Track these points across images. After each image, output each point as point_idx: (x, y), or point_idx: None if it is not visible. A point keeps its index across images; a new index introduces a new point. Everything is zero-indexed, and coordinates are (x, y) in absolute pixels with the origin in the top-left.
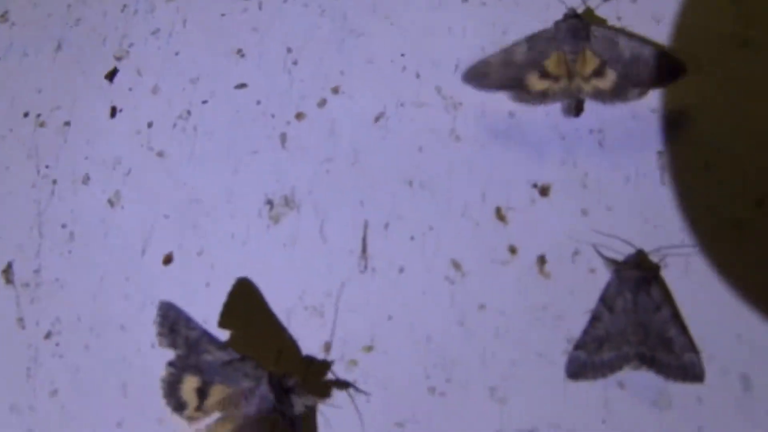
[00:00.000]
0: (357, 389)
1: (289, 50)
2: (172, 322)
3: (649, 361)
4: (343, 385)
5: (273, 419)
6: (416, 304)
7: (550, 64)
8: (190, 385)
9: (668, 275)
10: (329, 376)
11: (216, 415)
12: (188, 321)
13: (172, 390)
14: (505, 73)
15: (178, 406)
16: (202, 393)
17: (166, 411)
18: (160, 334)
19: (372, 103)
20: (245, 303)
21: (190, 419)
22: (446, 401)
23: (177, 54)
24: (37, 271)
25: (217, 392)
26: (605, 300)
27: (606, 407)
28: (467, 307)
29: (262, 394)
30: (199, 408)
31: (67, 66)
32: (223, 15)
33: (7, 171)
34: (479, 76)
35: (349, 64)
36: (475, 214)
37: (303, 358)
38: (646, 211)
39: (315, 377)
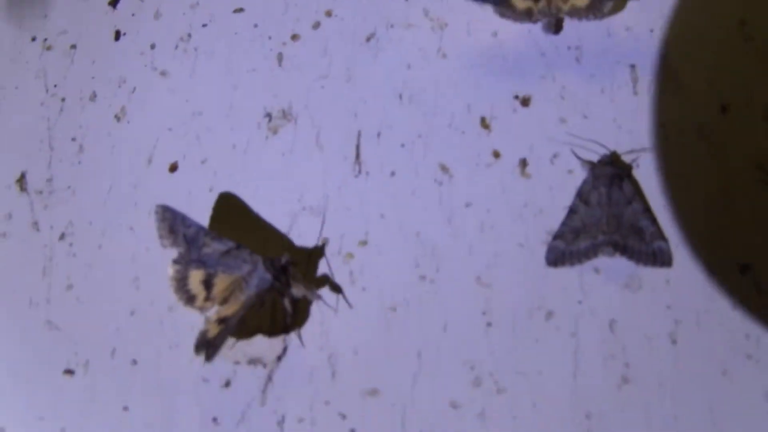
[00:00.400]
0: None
1: None
2: (171, 223)
3: (621, 248)
4: (336, 288)
5: (273, 298)
6: (407, 203)
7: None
8: (196, 278)
9: (639, 175)
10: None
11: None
12: (184, 219)
13: (180, 285)
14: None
15: (189, 299)
16: (207, 284)
17: (175, 300)
18: (161, 236)
19: (363, 25)
20: (236, 215)
21: (201, 309)
22: (436, 287)
23: None
24: (49, 180)
25: (221, 280)
26: (581, 194)
27: (582, 290)
28: (454, 206)
29: (260, 275)
30: (207, 298)
31: None
32: None
33: (16, 91)
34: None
35: None
36: (461, 123)
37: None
38: (619, 118)
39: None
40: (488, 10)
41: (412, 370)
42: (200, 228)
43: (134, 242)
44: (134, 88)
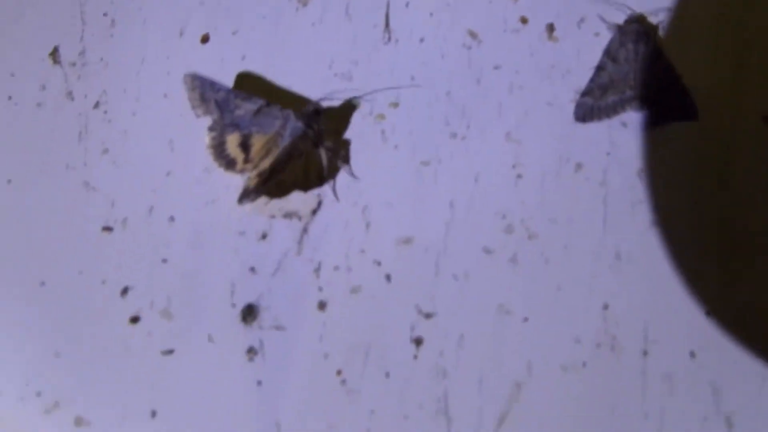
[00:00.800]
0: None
1: None
2: (201, 92)
3: (649, 102)
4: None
5: (307, 149)
6: (436, 66)
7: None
8: (233, 142)
9: (665, 36)
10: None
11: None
12: (212, 84)
13: (219, 151)
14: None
15: (229, 163)
16: (245, 146)
17: (211, 161)
18: (193, 106)
19: None
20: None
21: (242, 171)
22: (467, 143)
23: None
24: (82, 53)
25: (257, 141)
26: (609, 52)
27: (611, 142)
28: (483, 68)
29: (292, 125)
30: (246, 160)
31: None
32: None
33: None
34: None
35: None
36: None
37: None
38: None
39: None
40: None
41: (444, 219)
42: (229, 91)
43: (168, 108)
44: None
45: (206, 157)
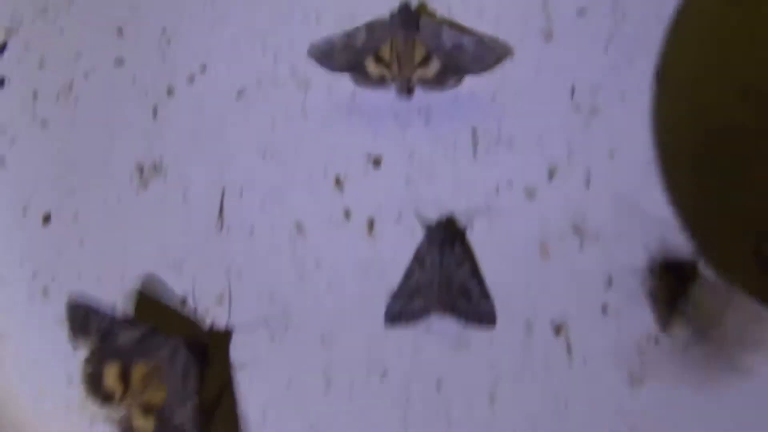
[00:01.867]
0: None
1: (163, 30)
2: (81, 321)
3: (450, 309)
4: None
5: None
6: (263, 260)
7: (384, 51)
8: (111, 372)
9: (473, 236)
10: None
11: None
12: (96, 312)
13: (95, 385)
14: (346, 57)
15: (106, 397)
16: (125, 376)
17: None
18: (71, 337)
19: (234, 81)
20: None
21: (120, 404)
22: (282, 347)
23: (62, 30)
24: None
25: (139, 370)
26: (417, 257)
27: (414, 349)
28: (306, 262)
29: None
30: (125, 391)
31: None
32: None
33: None
34: (324, 55)
35: (215, 44)
36: (317, 182)
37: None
38: (457, 180)
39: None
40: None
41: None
42: (112, 317)
43: None
44: (14, 138)
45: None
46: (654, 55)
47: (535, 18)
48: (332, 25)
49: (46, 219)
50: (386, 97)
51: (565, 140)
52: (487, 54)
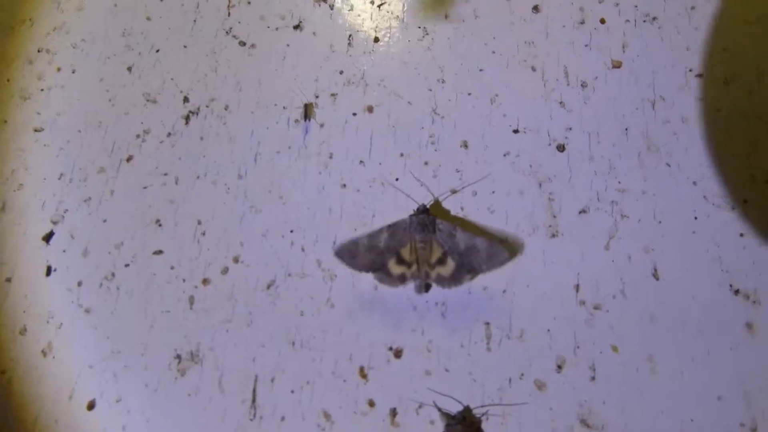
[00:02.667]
0: None
1: (199, 222)
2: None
3: None
4: None
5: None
6: None
7: (405, 252)
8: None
9: (487, 427)
10: None
11: None
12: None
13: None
14: (370, 258)
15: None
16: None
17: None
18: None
19: (265, 272)
20: None
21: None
22: None
23: (105, 221)
24: None
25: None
26: None
27: None
28: None
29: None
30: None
31: (10, 227)
32: (144, 188)
33: None
34: (349, 256)
35: (247, 237)
36: (343, 371)
37: None
38: (474, 372)
39: None
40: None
41: None
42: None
43: None
44: (61, 324)
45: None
46: (651, 251)
47: (541, 216)
48: (355, 221)
49: (91, 406)
50: (405, 289)
51: (571, 333)
52: (498, 254)
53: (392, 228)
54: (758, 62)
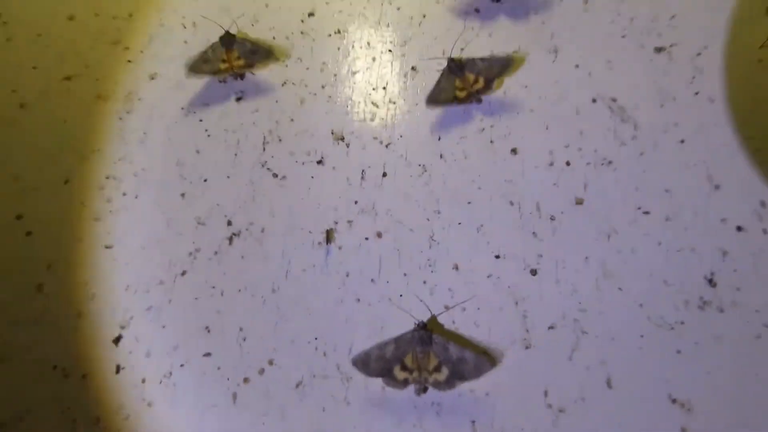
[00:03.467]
0: None
1: (240, 329)
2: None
3: None
4: None
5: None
6: None
7: (408, 360)
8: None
9: None
10: None
11: None
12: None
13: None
14: (380, 365)
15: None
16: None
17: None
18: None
19: (294, 374)
20: None
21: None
22: None
23: (164, 327)
24: None
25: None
26: None
27: None
28: None
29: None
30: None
31: (86, 331)
32: (196, 299)
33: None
34: (362, 364)
35: (279, 342)
36: None
37: None
38: None
39: None
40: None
41: None
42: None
43: None
44: (128, 415)
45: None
46: (606, 363)
47: (517, 330)
48: (368, 330)
49: None
50: (408, 392)
51: None
52: (483, 365)
53: (398, 340)
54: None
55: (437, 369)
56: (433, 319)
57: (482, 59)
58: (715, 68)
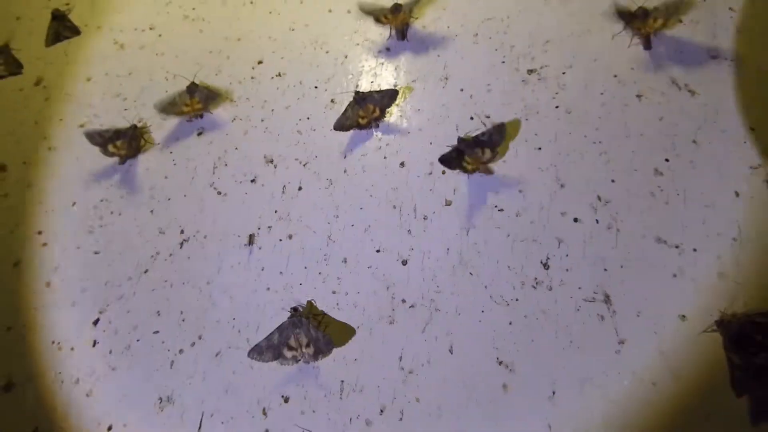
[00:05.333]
0: None
1: (181, 312)
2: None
3: None
4: None
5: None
6: None
7: (291, 341)
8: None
9: None
10: None
11: None
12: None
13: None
14: (270, 352)
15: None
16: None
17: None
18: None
19: (215, 346)
20: None
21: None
22: None
23: (128, 312)
24: None
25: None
26: None
27: None
28: None
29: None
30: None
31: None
32: (153, 290)
33: None
34: (257, 354)
35: (208, 323)
36: None
37: None
38: None
39: None
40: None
41: None
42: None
43: None
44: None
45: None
46: (451, 334)
47: (385, 309)
48: (271, 312)
49: None
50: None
51: (392, 390)
52: (330, 344)
53: (279, 328)
54: None
55: (308, 345)
56: (309, 303)
57: (378, 92)
58: (576, 84)
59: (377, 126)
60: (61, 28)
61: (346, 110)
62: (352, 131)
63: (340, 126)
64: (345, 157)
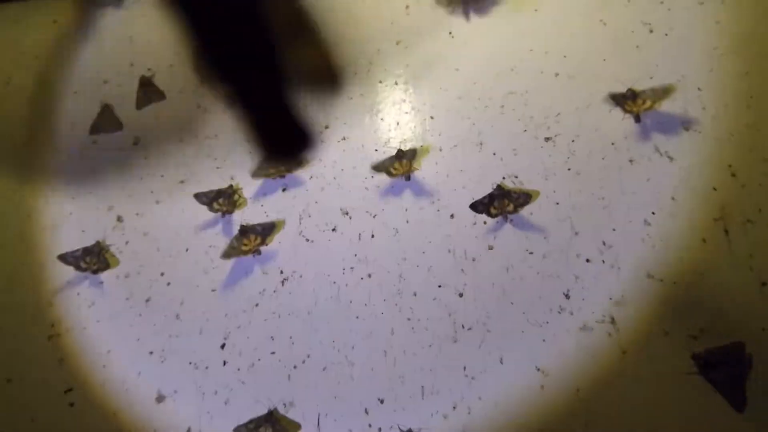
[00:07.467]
0: None
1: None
2: None
3: None
4: None
5: None
6: None
7: None
8: None
9: None
10: None
11: None
12: None
13: None
14: None
15: None
16: None
17: None
18: None
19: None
20: None
21: None
22: None
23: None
24: None
25: None
26: None
27: None
28: None
29: None
30: None
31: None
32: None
33: None
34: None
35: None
36: None
37: None
38: None
39: None
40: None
41: None
42: None
43: None
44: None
45: None
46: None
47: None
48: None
49: None
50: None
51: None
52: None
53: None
54: None
55: None
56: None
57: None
58: (582, 150)
59: (408, 178)
60: (150, 92)
61: (387, 159)
62: (408, 189)
63: (377, 168)
64: (406, 210)
